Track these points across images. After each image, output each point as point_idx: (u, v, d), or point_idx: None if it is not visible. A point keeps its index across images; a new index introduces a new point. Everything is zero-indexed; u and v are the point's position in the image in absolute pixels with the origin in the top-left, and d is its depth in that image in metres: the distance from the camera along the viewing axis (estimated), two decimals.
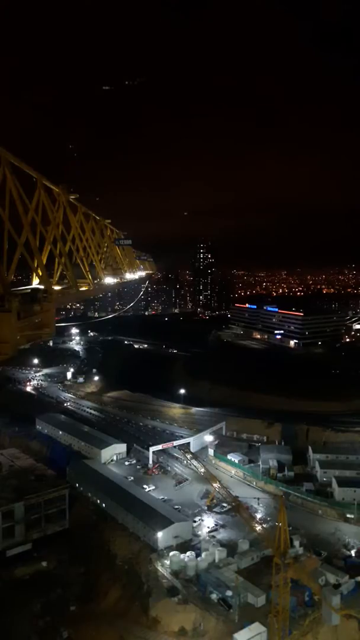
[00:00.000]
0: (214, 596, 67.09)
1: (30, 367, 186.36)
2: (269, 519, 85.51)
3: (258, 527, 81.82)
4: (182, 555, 74.43)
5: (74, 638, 67.23)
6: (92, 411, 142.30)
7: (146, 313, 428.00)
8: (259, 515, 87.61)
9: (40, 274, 56.11)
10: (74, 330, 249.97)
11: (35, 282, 58.29)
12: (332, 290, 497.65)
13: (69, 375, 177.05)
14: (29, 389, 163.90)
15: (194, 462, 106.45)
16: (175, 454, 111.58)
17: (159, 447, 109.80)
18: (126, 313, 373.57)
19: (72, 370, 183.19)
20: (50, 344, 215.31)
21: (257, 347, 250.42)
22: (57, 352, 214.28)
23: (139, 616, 68.10)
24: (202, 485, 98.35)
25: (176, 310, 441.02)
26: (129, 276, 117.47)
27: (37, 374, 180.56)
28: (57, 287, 65.36)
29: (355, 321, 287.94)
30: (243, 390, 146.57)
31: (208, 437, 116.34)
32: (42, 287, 52.93)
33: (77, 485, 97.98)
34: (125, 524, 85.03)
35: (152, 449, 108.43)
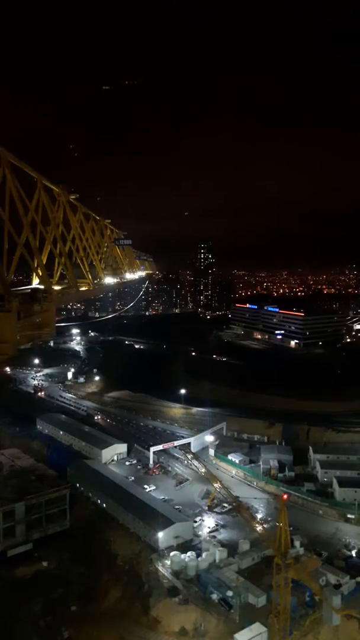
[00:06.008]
0: (214, 596, 66.97)
1: (31, 367, 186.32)
2: (269, 519, 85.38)
3: (259, 527, 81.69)
4: (182, 556, 74.35)
5: (75, 638, 67.15)
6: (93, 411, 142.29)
7: (147, 313, 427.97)
8: (259, 516, 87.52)
9: (40, 274, 56.20)
10: (75, 331, 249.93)
11: (35, 282, 58.39)
12: (332, 290, 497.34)
13: (69, 375, 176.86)
14: (41, 394, 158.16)
15: (195, 462, 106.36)
16: (176, 454, 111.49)
17: (160, 447, 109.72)
18: (127, 313, 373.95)
19: (72, 370, 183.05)
20: (51, 344, 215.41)
21: (258, 347, 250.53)
22: (57, 352, 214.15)
23: (139, 616, 68.00)
24: (202, 485, 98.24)
25: (177, 311, 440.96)
26: (129, 276, 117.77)
27: (38, 374, 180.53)
28: (57, 287, 65.46)
29: (355, 321, 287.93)
30: (244, 390, 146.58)
31: (209, 437, 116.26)
32: (42, 287, 53.00)
33: (77, 485, 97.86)
34: (126, 524, 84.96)
35: (153, 449, 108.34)
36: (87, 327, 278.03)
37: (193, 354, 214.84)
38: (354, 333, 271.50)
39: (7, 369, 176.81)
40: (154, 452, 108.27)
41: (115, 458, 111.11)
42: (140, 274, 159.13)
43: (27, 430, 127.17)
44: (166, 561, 74.50)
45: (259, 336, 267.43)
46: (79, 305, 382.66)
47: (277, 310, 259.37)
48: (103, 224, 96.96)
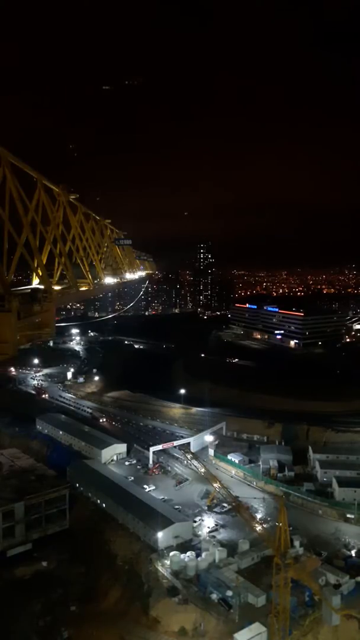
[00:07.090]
0: (214, 596, 67.02)
1: (30, 367, 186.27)
2: (269, 519, 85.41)
3: (258, 527, 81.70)
4: (182, 555, 74.37)
5: (75, 638, 67.18)
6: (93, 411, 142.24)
7: (146, 313, 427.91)
8: (259, 515, 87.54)
9: (40, 274, 56.21)
10: (74, 331, 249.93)
11: (35, 282, 58.40)
12: (332, 290, 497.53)
13: (69, 375, 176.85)
14: (45, 396, 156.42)
15: (194, 462, 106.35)
16: (176, 454, 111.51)
17: (159, 447, 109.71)
18: (126, 313, 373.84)
19: (72, 370, 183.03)
20: (51, 344, 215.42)
21: (258, 347, 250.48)
22: (57, 352, 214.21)
23: (139, 616, 68.06)
24: (202, 485, 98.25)
25: (176, 310, 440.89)
26: (129, 276, 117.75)
27: (38, 374, 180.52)
28: (57, 287, 65.48)
29: (355, 321, 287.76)
30: (243, 390, 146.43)
31: (208, 437, 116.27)
32: (42, 287, 53.02)
33: (77, 485, 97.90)
34: (126, 524, 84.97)
35: (153, 449, 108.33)
36: (87, 327, 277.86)
37: (202, 355, 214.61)
38: (353, 333, 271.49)
39: (12, 368, 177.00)
40: (153, 452, 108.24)
41: (114, 458, 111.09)
42: (140, 274, 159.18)
43: (26, 430, 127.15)
44: (166, 561, 74.52)
45: (259, 336, 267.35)
46: (78, 305, 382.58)
47: (276, 310, 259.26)
48: (103, 224, 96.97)
